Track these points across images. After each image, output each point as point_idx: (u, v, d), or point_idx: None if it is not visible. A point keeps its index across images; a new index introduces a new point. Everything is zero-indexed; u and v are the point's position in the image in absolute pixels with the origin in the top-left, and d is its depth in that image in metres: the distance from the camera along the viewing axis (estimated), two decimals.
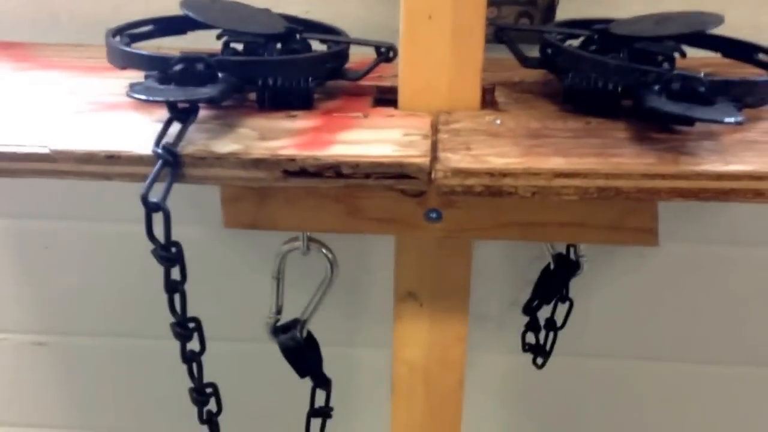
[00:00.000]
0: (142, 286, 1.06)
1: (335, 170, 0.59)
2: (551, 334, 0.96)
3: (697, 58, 0.78)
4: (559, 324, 0.94)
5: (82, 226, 1.05)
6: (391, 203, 0.69)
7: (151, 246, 0.59)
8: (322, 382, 0.80)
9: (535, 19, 0.89)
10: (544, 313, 0.94)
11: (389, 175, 0.59)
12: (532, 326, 0.95)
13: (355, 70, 0.73)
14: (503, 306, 1.04)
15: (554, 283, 0.88)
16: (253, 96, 0.69)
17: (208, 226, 0.88)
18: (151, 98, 0.57)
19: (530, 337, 0.96)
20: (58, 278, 1.09)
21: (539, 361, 0.97)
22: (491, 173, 0.58)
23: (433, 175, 0.59)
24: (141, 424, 1.17)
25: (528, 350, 0.97)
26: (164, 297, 0.62)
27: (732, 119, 0.57)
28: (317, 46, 0.75)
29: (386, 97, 0.74)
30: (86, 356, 1.14)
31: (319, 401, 0.82)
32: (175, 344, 0.66)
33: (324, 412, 0.82)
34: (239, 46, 0.71)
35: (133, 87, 0.59)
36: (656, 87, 0.62)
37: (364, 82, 0.74)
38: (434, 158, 0.60)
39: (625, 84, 0.64)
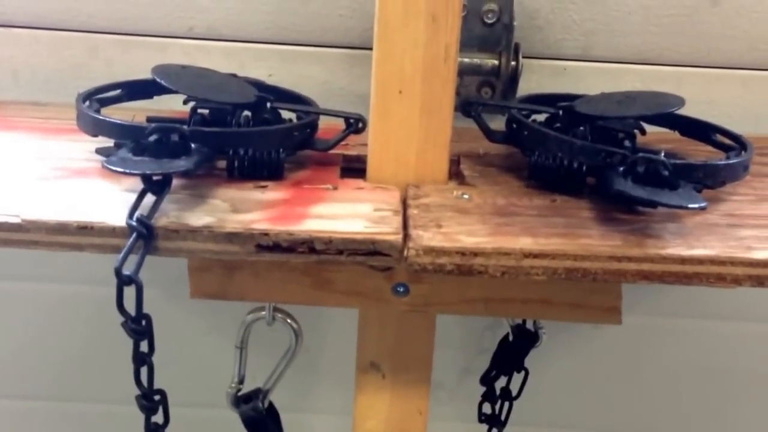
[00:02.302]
0: (87, 349, 1.03)
1: (308, 246, 0.59)
2: (506, 404, 0.96)
3: (655, 134, 0.81)
4: (514, 393, 0.95)
5: (26, 286, 1.03)
6: (358, 277, 0.69)
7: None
8: None
9: (497, 90, 0.90)
10: (499, 382, 0.95)
11: (362, 251, 0.60)
12: (489, 397, 0.95)
13: (324, 139, 0.74)
14: (457, 374, 1.04)
15: (513, 354, 0.89)
16: (222, 164, 0.69)
17: (171, 289, 0.87)
18: (128, 171, 0.57)
19: (486, 407, 0.96)
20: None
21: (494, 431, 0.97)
22: (462, 252, 0.59)
23: (405, 253, 0.60)
24: None
25: (484, 421, 0.97)
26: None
27: (696, 205, 0.59)
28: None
29: (353, 166, 0.75)
30: (25, 421, 1.10)
31: None
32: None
33: None
34: (206, 111, 0.71)
35: (108, 159, 0.59)
36: (621, 168, 0.64)
37: (333, 153, 0.75)
38: (406, 235, 0.61)
39: (591, 164, 0.66)
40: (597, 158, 0.66)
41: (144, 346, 0.60)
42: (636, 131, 0.77)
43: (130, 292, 0.58)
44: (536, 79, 0.92)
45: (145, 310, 0.60)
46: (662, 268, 0.59)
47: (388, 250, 0.60)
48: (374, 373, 0.75)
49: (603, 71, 0.92)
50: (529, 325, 0.88)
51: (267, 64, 0.92)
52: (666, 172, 0.62)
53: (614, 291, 0.70)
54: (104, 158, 0.59)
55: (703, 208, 0.59)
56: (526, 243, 0.60)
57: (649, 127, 0.79)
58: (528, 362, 0.93)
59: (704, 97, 0.93)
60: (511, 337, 0.90)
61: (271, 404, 0.77)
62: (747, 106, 0.93)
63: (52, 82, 0.93)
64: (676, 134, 0.81)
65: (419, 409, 0.77)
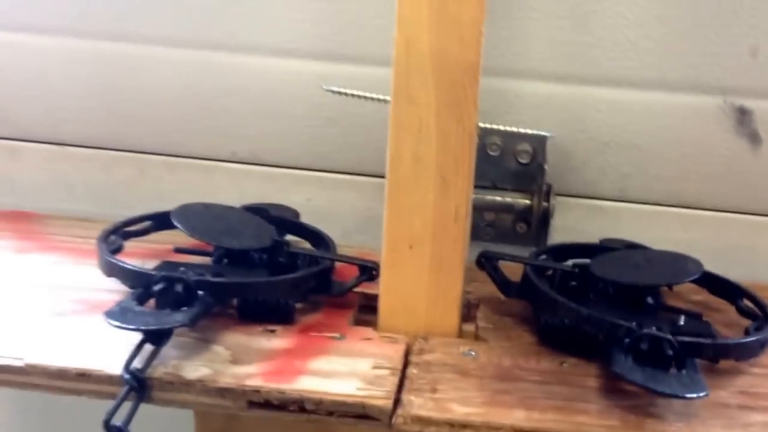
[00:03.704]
0: None
1: (299, 405, 0.60)
2: None
3: (687, 286, 0.79)
4: None
5: None
6: (361, 429, 0.69)
7: None
8: None
9: (533, 225, 0.90)
10: None
11: (351, 414, 0.60)
12: None
13: (339, 282, 0.75)
14: None
15: None
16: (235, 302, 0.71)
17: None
18: (123, 326, 0.59)
19: None
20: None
21: None
22: (451, 424, 0.58)
23: (393, 420, 0.59)
24: None
25: None
26: None
27: (694, 395, 0.57)
28: None
29: (371, 304, 0.75)
30: None
31: None
32: None
33: None
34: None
35: (110, 310, 0.61)
36: (627, 341, 0.62)
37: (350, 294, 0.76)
38: (397, 400, 0.60)
39: (596, 333, 0.65)
40: (601, 329, 0.64)
41: None
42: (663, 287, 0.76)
43: None
44: (573, 216, 0.92)
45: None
46: None
47: (377, 414, 0.59)
48: None
49: (640, 212, 0.91)
50: None
51: (306, 189, 0.94)
52: (670, 352, 0.60)
53: None
54: (107, 310, 0.61)
55: (702, 397, 0.57)
56: (518, 418, 0.59)
57: None
58: None
59: (746, 243, 0.90)
60: None
61: None
62: None
63: (103, 198, 0.97)
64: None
65: None
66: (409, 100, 0.65)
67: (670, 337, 0.61)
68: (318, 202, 0.94)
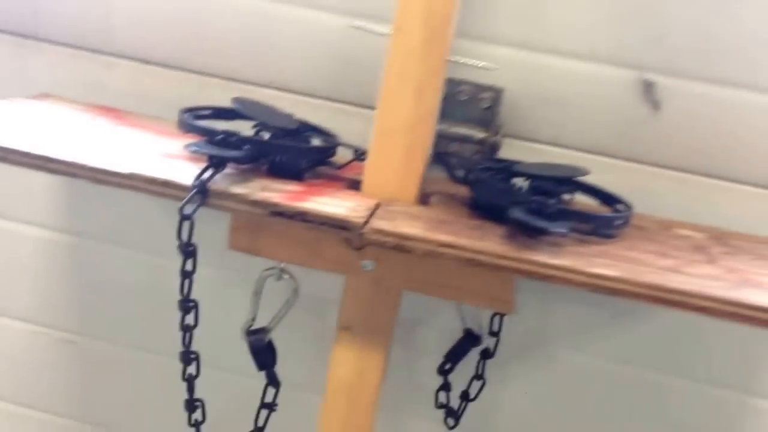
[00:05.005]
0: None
1: (302, 217, 0.92)
2: (464, 404, 1.25)
3: (584, 201, 1.11)
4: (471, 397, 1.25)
5: (127, 252, 1.40)
6: (340, 251, 1.00)
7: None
8: (273, 381, 1.09)
9: (485, 155, 1.21)
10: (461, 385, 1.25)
11: (336, 225, 0.92)
12: (444, 387, 1.24)
13: (338, 162, 1.07)
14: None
15: (461, 349, 1.18)
16: (265, 167, 1.03)
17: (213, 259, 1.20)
18: (200, 150, 0.91)
19: (442, 396, 1.25)
20: (98, 288, 1.43)
21: (450, 422, 1.26)
22: (399, 236, 0.90)
23: (363, 229, 0.91)
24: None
25: (440, 407, 1.26)
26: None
27: (556, 229, 0.88)
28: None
29: (356, 187, 1.07)
30: (108, 358, 1.46)
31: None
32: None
33: (271, 407, 1.11)
34: (266, 135, 1.06)
35: (189, 143, 0.93)
36: (523, 205, 0.94)
37: (344, 174, 1.08)
38: (366, 220, 0.92)
39: (505, 201, 0.96)
40: (507, 197, 0.96)
41: (189, 265, 0.93)
42: (567, 196, 1.07)
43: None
44: (516, 155, 1.22)
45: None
46: (529, 267, 0.89)
47: (351, 226, 0.91)
48: (348, 332, 1.05)
49: (568, 156, 1.21)
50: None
51: (322, 114, 1.26)
52: (549, 211, 0.92)
53: (508, 287, 0.99)
54: (187, 143, 0.94)
55: (560, 233, 0.89)
56: (445, 237, 0.91)
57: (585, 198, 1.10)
58: (489, 378, 1.24)
59: (643, 186, 1.20)
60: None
61: (271, 341, 1.07)
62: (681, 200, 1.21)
63: (170, 106, 1.28)
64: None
65: (378, 364, 1.06)
66: (404, 33, 0.97)
67: (552, 201, 0.93)
68: (328, 125, 1.26)
